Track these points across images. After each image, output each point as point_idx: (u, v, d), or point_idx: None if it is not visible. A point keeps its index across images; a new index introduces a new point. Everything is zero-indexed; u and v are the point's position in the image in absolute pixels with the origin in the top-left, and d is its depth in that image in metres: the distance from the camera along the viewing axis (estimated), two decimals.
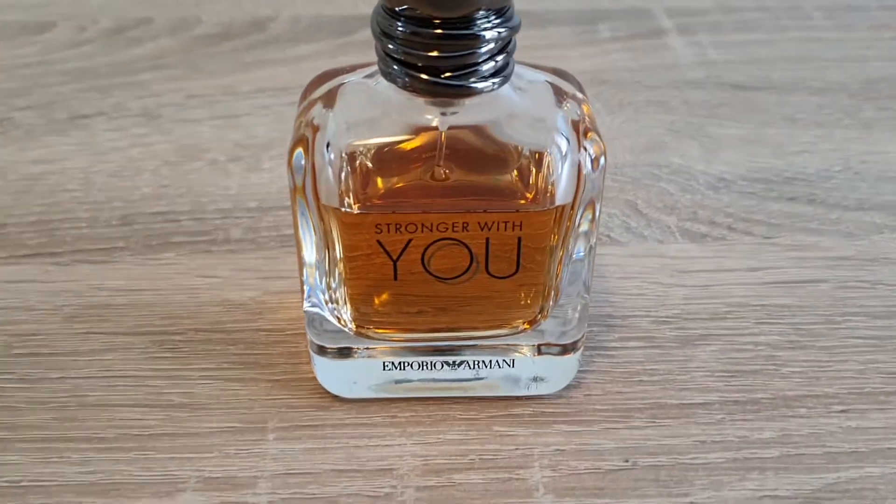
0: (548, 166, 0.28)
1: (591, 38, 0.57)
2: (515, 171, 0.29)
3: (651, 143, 0.47)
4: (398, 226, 0.28)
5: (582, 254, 0.30)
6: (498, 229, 0.28)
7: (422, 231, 0.28)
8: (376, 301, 0.31)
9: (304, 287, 0.31)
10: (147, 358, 0.35)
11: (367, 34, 0.50)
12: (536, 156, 0.29)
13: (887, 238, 0.41)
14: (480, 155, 0.29)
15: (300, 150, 0.28)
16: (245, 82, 0.53)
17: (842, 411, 0.32)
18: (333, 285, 0.31)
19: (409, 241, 0.29)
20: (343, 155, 0.28)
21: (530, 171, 0.29)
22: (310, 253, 0.30)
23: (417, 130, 0.28)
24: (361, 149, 0.29)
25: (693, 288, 0.38)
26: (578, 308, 0.32)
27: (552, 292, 0.31)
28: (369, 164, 0.29)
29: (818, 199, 0.43)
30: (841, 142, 0.47)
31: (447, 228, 0.28)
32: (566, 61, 0.50)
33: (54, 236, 0.41)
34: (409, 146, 0.29)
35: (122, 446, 0.31)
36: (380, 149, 0.29)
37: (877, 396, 0.33)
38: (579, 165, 0.28)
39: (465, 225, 0.28)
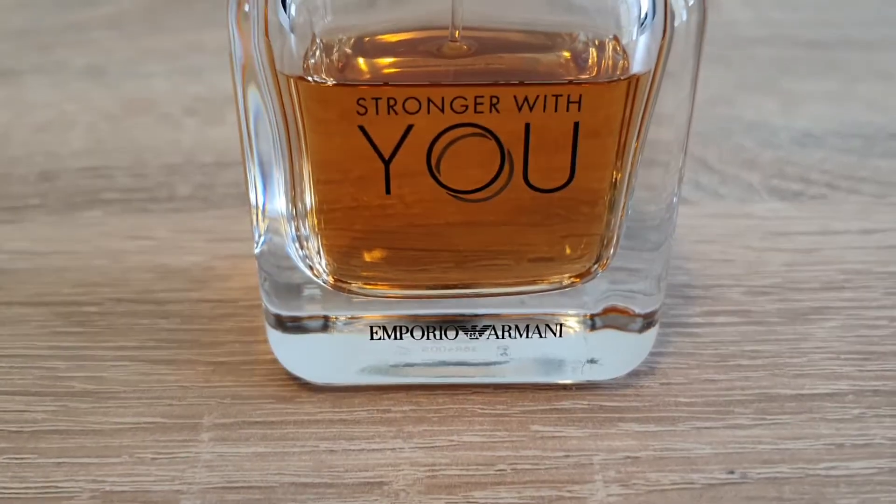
0: (616, 40, 0.19)
1: None
2: (567, 52, 0.20)
3: (719, 98, 0.37)
4: (392, 102, 0.19)
5: (666, 176, 0.21)
6: (544, 109, 0.19)
7: (429, 112, 0.19)
8: (363, 249, 0.22)
9: (256, 216, 0.21)
10: (46, 333, 0.26)
11: None
12: (597, 42, 0.19)
13: None
14: (513, 34, 0.20)
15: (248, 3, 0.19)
16: (213, 39, 0.44)
17: None
18: (304, 224, 0.21)
19: (410, 127, 0.19)
20: (312, 30, 0.19)
21: (588, 53, 0.19)
22: (269, 176, 0.21)
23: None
24: (340, 33, 0.19)
25: (795, 253, 0.28)
26: (658, 261, 0.22)
27: (615, 232, 0.21)
28: (348, 50, 0.19)
29: None
30: None
31: (466, 108, 0.19)
32: None
33: None
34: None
35: (3, 446, 0.21)
36: (365, 31, 0.19)
37: None
38: (661, 27, 0.19)
39: (495, 102, 0.19)
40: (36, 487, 0.21)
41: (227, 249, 0.28)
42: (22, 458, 0.21)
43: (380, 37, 0.20)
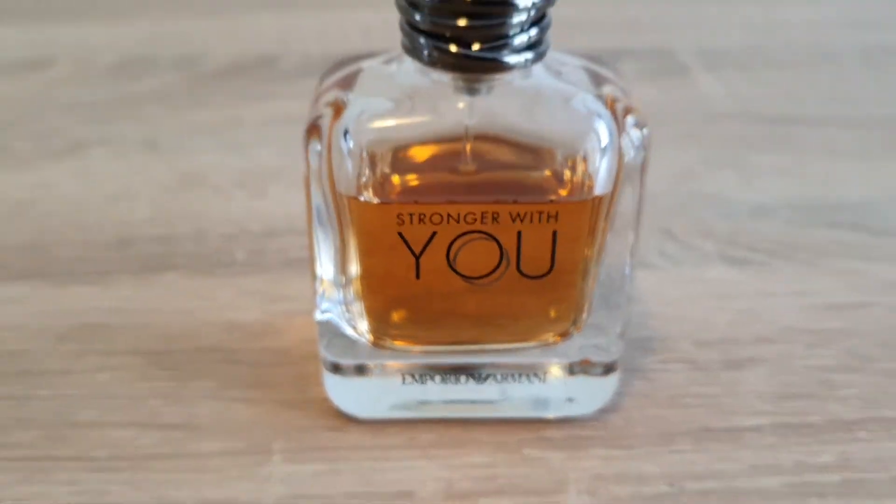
0: (586, 156, 0.26)
1: None
2: (548, 171, 0.27)
3: (684, 173, 0.44)
4: (422, 216, 0.26)
5: (623, 257, 0.28)
6: (532, 221, 0.26)
7: (448, 222, 0.26)
8: (395, 312, 0.28)
9: (318, 292, 0.28)
10: (143, 378, 0.32)
11: None
12: (570, 162, 0.26)
13: None
14: (509, 151, 0.27)
15: (315, 137, 0.26)
16: (251, 115, 0.50)
17: None
18: (349, 291, 0.28)
19: (434, 233, 0.26)
20: (361, 145, 0.26)
21: (564, 173, 0.26)
22: (326, 253, 0.27)
23: (441, 136, 0.26)
24: (380, 141, 0.26)
25: (736, 312, 0.35)
26: (618, 322, 0.29)
27: (586, 302, 0.28)
28: (388, 153, 0.26)
29: (864, 225, 0.40)
30: (884, 173, 0.45)
31: (475, 220, 0.26)
32: None
33: (47, 258, 0.38)
34: (431, 135, 0.26)
35: (113, 466, 0.29)
36: (399, 143, 0.26)
37: None
38: (621, 152, 0.26)
39: (496, 216, 0.26)
40: (152, 498, 0.27)
41: (279, 308, 0.35)
42: (140, 476, 0.28)
43: (411, 151, 0.27)
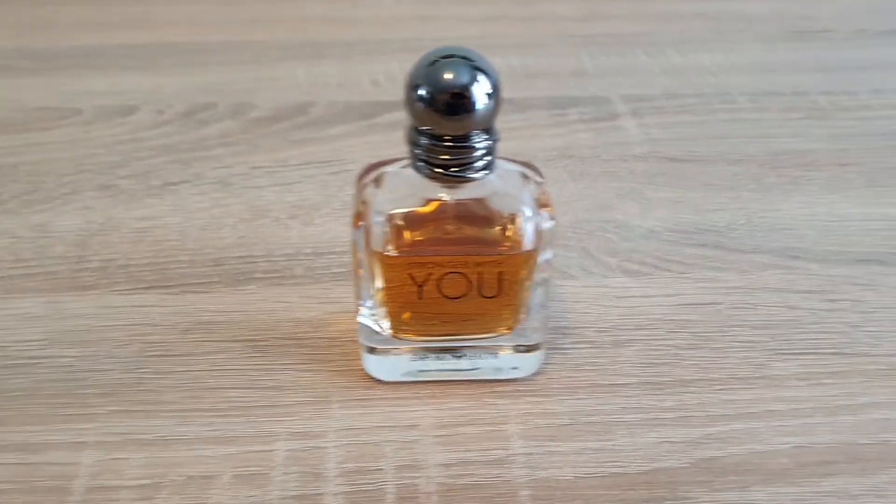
0: (518, 226, 0.44)
1: (561, 121, 0.73)
2: (499, 227, 0.45)
3: (602, 204, 0.62)
4: (422, 264, 0.44)
5: (543, 281, 0.46)
6: (487, 266, 0.44)
7: (437, 267, 0.44)
8: (405, 316, 0.47)
9: (359, 305, 0.47)
10: (245, 357, 0.50)
11: (388, 117, 0.68)
12: (512, 218, 0.45)
13: (771, 273, 0.56)
14: (476, 217, 0.45)
15: (360, 220, 0.44)
16: (294, 157, 0.68)
17: (720, 389, 0.48)
18: (376, 304, 0.46)
19: (430, 273, 0.44)
20: (385, 218, 0.44)
21: (507, 229, 0.45)
22: (364, 282, 0.46)
23: (433, 203, 0.44)
24: (397, 214, 0.44)
25: (625, 308, 0.53)
26: (539, 320, 0.47)
27: (523, 309, 0.47)
28: (401, 223, 0.44)
29: (723, 245, 0.59)
30: (746, 202, 0.63)
31: (454, 265, 0.44)
32: (540, 139, 0.67)
33: (164, 274, 0.56)
34: (427, 211, 0.45)
35: (233, 414, 0.46)
36: (408, 214, 0.45)
37: (747, 380, 0.48)
38: (537, 225, 0.44)
39: (466, 263, 0.44)
40: (260, 431, 0.46)
41: (330, 308, 0.52)
42: (251, 419, 0.46)
43: (415, 220, 0.45)
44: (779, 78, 0.80)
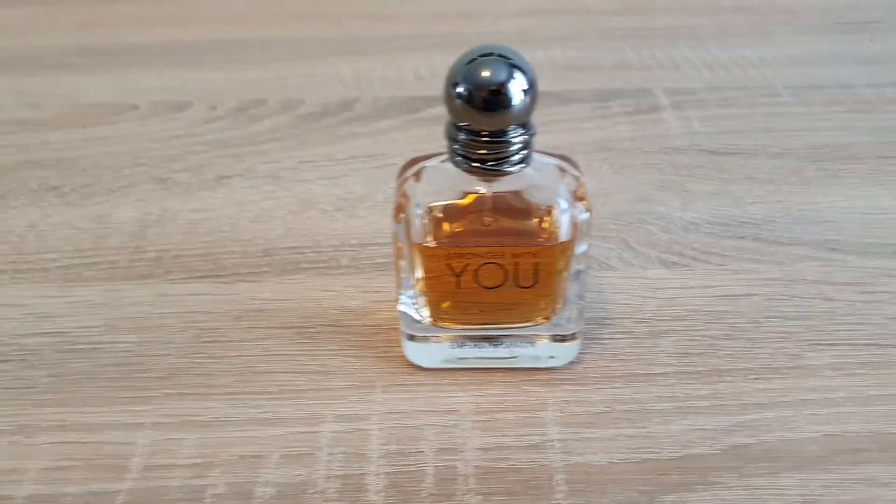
0: (554, 217, 0.46)
1: (603, 113, 0.74)
2: (536, 219, 0.46)
3: (643, 196, 0.64)
4: (460, 254, 0.46)
5: (579, 272, 0.48)
6: (523, 257, 0.46)
7: (475, 258, 0.46)
8: (444, 305, 0.48)
9: (400, 294, 0.48)
10: (293, 342, 0.52)
11: (430, 111, 0.70)
12: (548, 210, 0.46)
13: (808, 265, 0.57)
14: (513, 209, 0.46)
15: (401, 212, 0.45)
16: (340, 151, 0.70)
17: (754, 379, 0.49)
18: (416, 293, 0.48)
19: (467, 264, 0.46)
20: (425, 210, 0.45)
21: (544, 220, 0.46)
22: (405, 272, 0.48)
23: (470, 195, 0.46)
24: (436, 206, 0.46)
25: (662, 299, 0.54)
26: (576, 310, 0.49)
27: (560, 299, 0.48)
28: (440, 215, 0.46)
29: (762, 237, 0.60)
30: (786, 195, 0.64)
31: (491, 256, 0.46)
32: (583, 132, 0.68)
33: (217, 264, 0.58)
34: (465, 204, 0.46)
35: (282, 396, 0.48)
36: (447, 206, 0.46)
37: (780, 370, 0.49)
38: (573, 217, 0.46)
39: (503, 254, 0.46)
40: (308, 413, 0.47)
41: (373, 297, 0.54)
42: (299, 401, 0.47)
43: (454, 212, 0.47)
44: (822, 71, 0.81)
